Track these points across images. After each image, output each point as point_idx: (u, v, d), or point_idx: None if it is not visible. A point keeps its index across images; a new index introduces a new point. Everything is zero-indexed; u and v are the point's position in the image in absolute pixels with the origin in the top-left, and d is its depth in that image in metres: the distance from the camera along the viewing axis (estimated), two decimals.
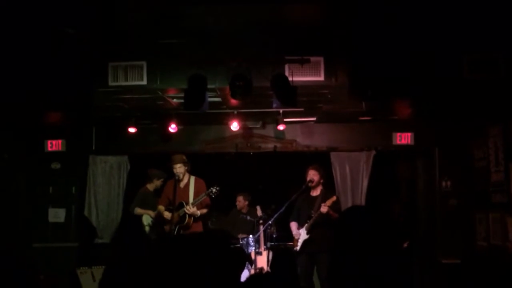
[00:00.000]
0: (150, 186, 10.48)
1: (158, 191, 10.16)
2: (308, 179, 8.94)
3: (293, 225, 9.07)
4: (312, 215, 8.73)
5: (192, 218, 8.78)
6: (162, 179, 10.31)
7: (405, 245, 9.56)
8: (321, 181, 9.04)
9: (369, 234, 2.21)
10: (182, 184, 8.99)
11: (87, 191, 10.83)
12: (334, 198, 8.68)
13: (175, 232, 8.74)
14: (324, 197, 8.81)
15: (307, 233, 8.81)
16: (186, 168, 8.96)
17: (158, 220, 9.37)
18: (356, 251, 2.19)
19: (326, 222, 8.59)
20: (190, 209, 8.69)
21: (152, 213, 10.12)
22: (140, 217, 10.22)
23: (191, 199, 8.82)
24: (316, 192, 9.02)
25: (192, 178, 9.03)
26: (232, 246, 8.73)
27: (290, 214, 9.17)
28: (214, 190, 8.67)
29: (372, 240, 2.20)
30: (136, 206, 10.33)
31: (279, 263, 5.61)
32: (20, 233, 10.30)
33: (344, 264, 2.24)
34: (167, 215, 8.90)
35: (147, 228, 10.20)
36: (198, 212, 8.79)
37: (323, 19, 6.92)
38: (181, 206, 8.77)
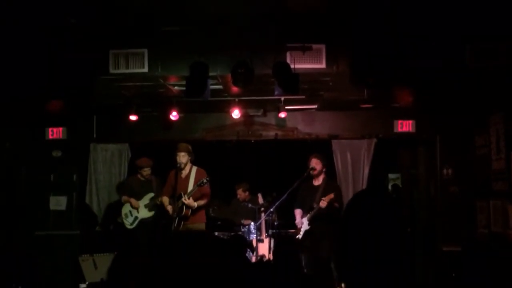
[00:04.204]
0: (139, 175, 10.41)
1: (162, 180, 10.05)
2: (310, 166, 8.95)
3: (298, 213, 9.10)
4: (314, 206, 8.75)
5: (190, 210, 8.68)
6: (146, 168, 10.23)
7: None
8: (324, 169, 9.05)
9: (378, 219, 2.21)
10: (183, 175, 8.92)
11: (88, 179, 10.83)
12: (332, 196, 8.64)
13: (175, 224, 8.68)
14: (326, 187, 8.83)
15: (309, 224, 8.84)
16: (190, 158, 8.90)
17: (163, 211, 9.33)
18: (363, 238, 2.19)
19: (327, 215, 8.65)
20: (186, 200, 8.62)
21: (134, 202, 10.12)
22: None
23: (189, 190, 8.77)
24: (318, 182, 9.03)
25: (194, 169, 8.95)
26: (232, 233, 8.74)
27: (294, 202, 9.18)
28: (204, 180, 8.61)
29: (381, 226, 2.20)
30: (122, 195, 10.32)
31: (282, 251, 5.62)
32: (22, 221, 10.31)
33: (350, 249, 2.25)
34: (169, 209, 8.83)
35: (123, 217, 10.21)
36: (195, 204, 8.68)
37: (325, 7, 6.90)
38: (180, 197, 8.70)
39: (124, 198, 10.22)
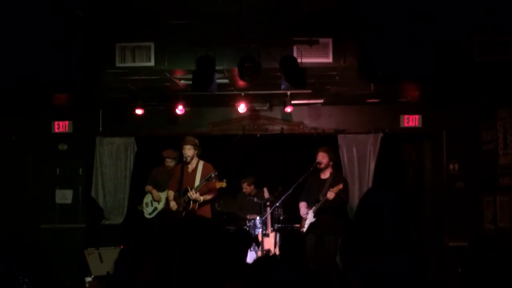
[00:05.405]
0: (164, 167, 10.43)
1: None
2: (316, 160, 8.95)
3: (302, 205, 9.08)
4: (320, 198, 8.74)
5: (196, 204, 8.65)
6: (168, 159, 10.24)
7: None
8: (330, 163, 9.04)
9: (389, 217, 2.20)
10: (190, 169, 8.89)
11: (94, 172, 10.84)
12: (341, 186, 8.63)
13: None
14: (333, 180, 8.82)
15: (314, 216, 8.83)
16: (196, 152, 8.87)
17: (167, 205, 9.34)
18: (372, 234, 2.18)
19: (332, 207, 8.66)
20: (193, 194, 8.61)
21: (155, 193, 10.18)
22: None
23: (196, 184, 8.73)
24: (325, 175, 9.02)
25: (201, 163, 8.90)
26: (237, 228, 8.74)
27: (300, 195, 9.17)
28: (213, 175, 8.60)
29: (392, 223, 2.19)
30: (147, 184, 10.40)
31: (288, 245, 5.63)
32: (28, 214, 10.34)
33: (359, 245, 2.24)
34: (173, 204, 8.84)
35: (143, 206, 10.32)
36: (201, 198, 8.65)
37: (332, 0, 6.86)
38: (187, 191, 8.67)
39: (147, 188, 10.33)
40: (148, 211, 10.26)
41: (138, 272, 2.84)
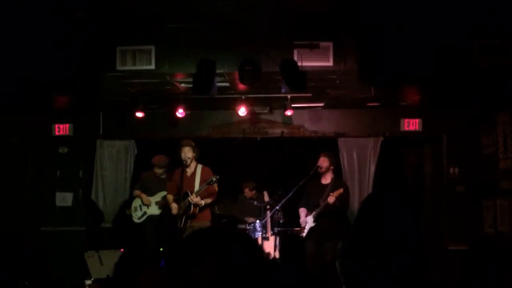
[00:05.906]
0: (153, 172, 10.40)
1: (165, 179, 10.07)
2: (317, 164, 8.94)
3: (302, 212, 9.06)
4: (320, 203, 8.72)
5: (197, 208, 8.64)
6: (157, 167, 10.21)
7: None
8: (331, 167, 9.02)
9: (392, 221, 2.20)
10: (189, 173, 8.87)
11: (94, 175, 10.82)
12: (341, 190, 8.63)
13: (182, 223, 8.66)
14: (334, 185, 8.81)
15: (314, 221, 8.81)
16: (194, 154, 8.86)
17: (167, 209, 9.29)
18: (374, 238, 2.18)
19: (332, 212, 8.65)
20: (194, 198, 8.58)
21: (145, 198, 10.15)
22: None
23: (196, 188, 8.70)
24: (326, 180, 9.00)
25: (199, 167, 8.90)
26: (238, 231, 8.69)
27: (300, 199, 9.16)
28: (214, 179, 8.58)
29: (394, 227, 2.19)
30: (135, 188, 10.35)
31: (288, 249, 5.65)
32: (28, 217, 10.33)
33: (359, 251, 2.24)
34: (174, 207, 8.82)
35: (132, 210, 10.28)
36: (202, 202, 8.63)
37: (332, 4, 6.87)
38: (187, 196, 8.64)
39: (136, 192, 10.27)
40: (137, 215, 10.20)
41: (138, 275, 2.84)
